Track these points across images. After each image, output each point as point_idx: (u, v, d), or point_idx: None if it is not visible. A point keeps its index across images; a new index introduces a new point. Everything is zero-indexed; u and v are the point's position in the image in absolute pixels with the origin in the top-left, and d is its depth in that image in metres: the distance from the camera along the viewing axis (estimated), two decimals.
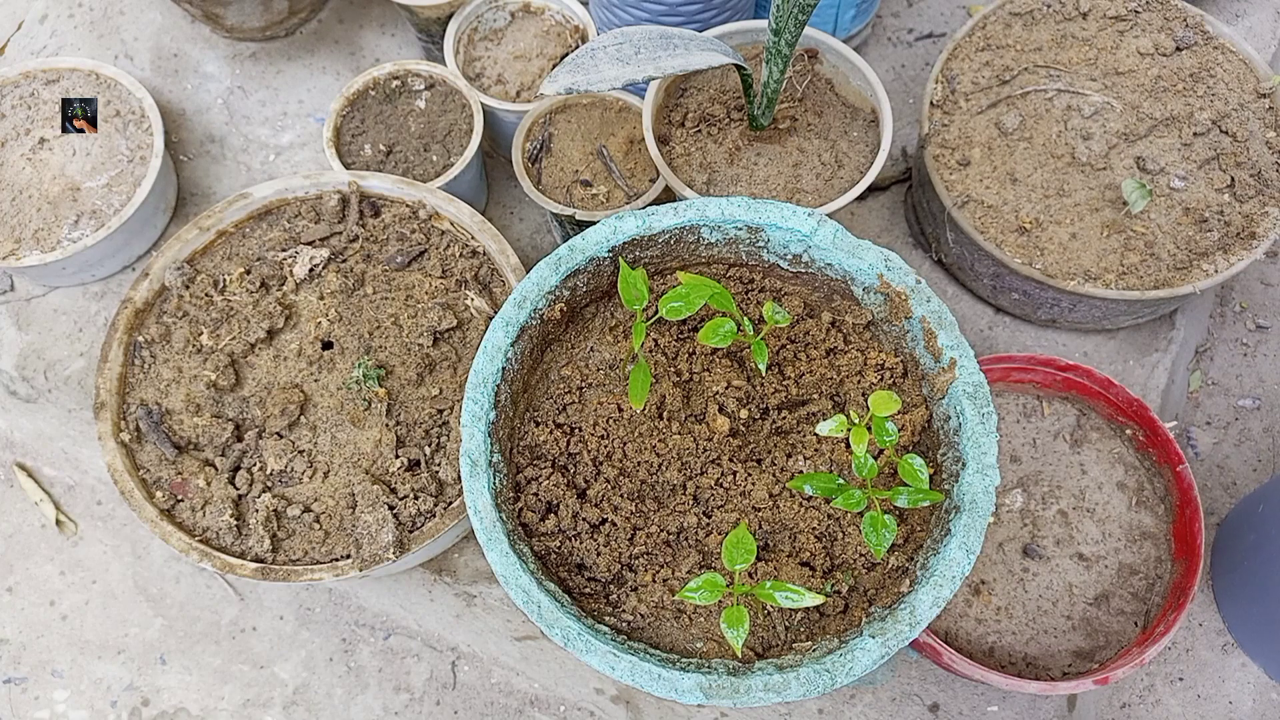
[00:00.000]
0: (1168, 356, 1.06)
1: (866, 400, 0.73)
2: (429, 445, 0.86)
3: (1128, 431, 0.95)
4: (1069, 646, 0.88)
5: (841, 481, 0.66)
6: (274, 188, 0.96)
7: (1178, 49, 1.02)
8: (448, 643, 1.05)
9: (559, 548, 0.70)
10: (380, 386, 0.87)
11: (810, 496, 0.71)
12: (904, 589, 0.65)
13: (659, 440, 0.72)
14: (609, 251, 0.74)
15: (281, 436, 0.86)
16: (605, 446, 0.72)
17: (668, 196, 0.98)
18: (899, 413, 0.72)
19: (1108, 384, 0.93)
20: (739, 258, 0.78)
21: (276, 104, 1.21)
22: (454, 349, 0.90)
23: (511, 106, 1.02)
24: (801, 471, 0.71)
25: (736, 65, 0.82)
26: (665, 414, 0.73)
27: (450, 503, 0.84)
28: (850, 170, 0.92)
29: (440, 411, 0.88)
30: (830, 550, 0.70)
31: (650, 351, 0.76)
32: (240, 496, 0.85)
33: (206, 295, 0.92)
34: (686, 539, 0.71)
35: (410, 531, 0.83)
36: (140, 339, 0.91)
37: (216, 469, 0.86)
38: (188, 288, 0.92)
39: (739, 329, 0.70)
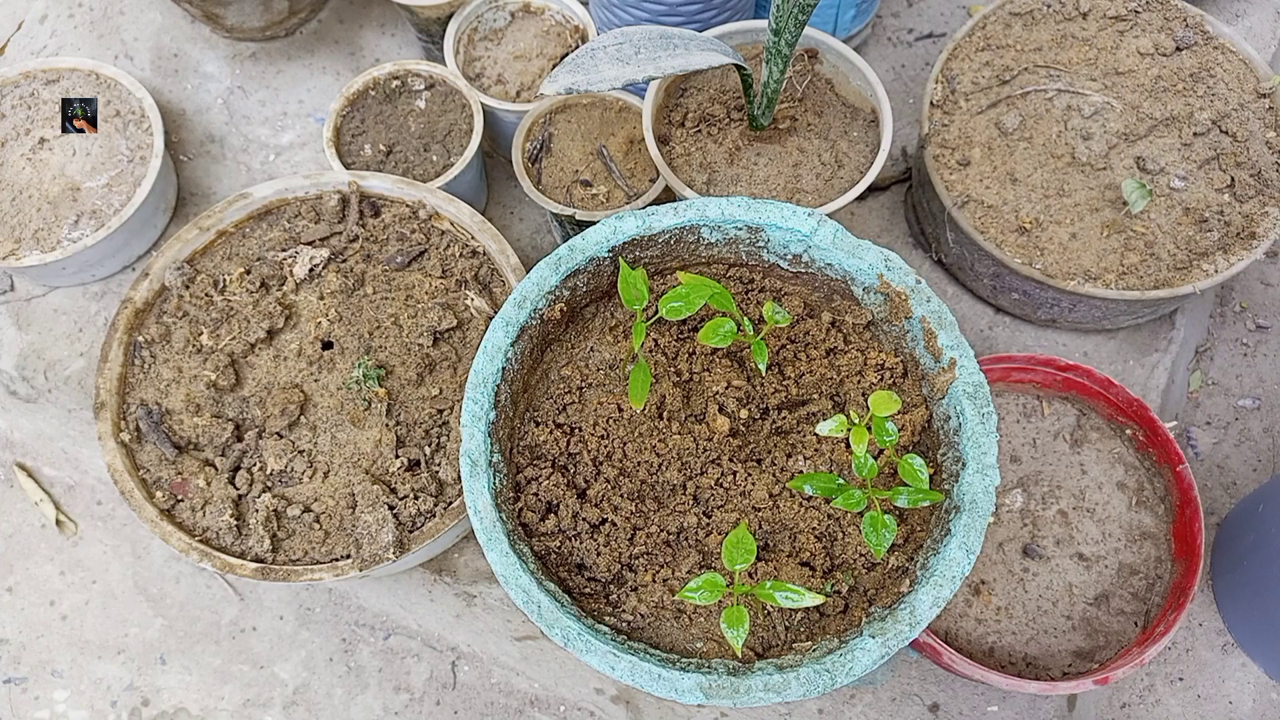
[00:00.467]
0: (1168, 356, 1.06)
1: (866, 400, 0.73)
2: (429, 445, 0.86)
3: (1128, 431, 0.95)
4: (1069, 646, 0.88)
5: (841, 481, 0.66)
6: (274, 188, 0.96)
7: (1178, 49, 1.02)
8: (448, 643, 1.05)
9: (559, 548, 0.70)
10: (380, 386, 0.87)
11: (810, 496, 0.71)
12: (904, 589, 0.65)
13: (659, 440, 0.72)
14: (609, 251, 0.74)
15: (281, 436, 0.86)
16: (605, 446, 0.72)
17: (668, 196, 0.98)
18: (899, 413, 0.72)
19: (1108, 384, 0.93)
20: (739, 258, 0.78)
21: (276, 104, 1.21)
22: (454, 349, 0.90)
23: (511, 106, 1.02)
24: (801, 471, 0.71)
25: (736, 65, 0.82)
26: (665, 414, 0.73)
27: (450, 503, 0.84)
28: (850, 170, 0.92)
29: (440, 411, 0.88)
30: (830, 550, 0.70)
31: (650, 351, 0.76)
32: (240, 496, 0.85)
33: (206, 295, 0.92)
34: (686, 539, 0.71)
35: (410, 531, 0.83)
36: (140, 339, 0.91)
37: (216, 469, 0.86)
38: (188, 288, 0.92)
39: (739, 329, 0.70)
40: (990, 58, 1.03)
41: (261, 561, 0.83)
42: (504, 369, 0.71)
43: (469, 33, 1.08)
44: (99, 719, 1.05)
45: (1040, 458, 0.95)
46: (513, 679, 1.04)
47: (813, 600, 0.61)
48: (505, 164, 1.16)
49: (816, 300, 0.79)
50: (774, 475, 0.72)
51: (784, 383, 0.75)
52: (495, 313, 0.89)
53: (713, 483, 0.71)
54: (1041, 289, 0.96)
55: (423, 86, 1.06)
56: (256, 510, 0.83)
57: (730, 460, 0.72)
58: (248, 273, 0.93)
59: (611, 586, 0.70)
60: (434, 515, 0.83)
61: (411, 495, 0.84)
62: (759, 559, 0.69)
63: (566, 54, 1.06)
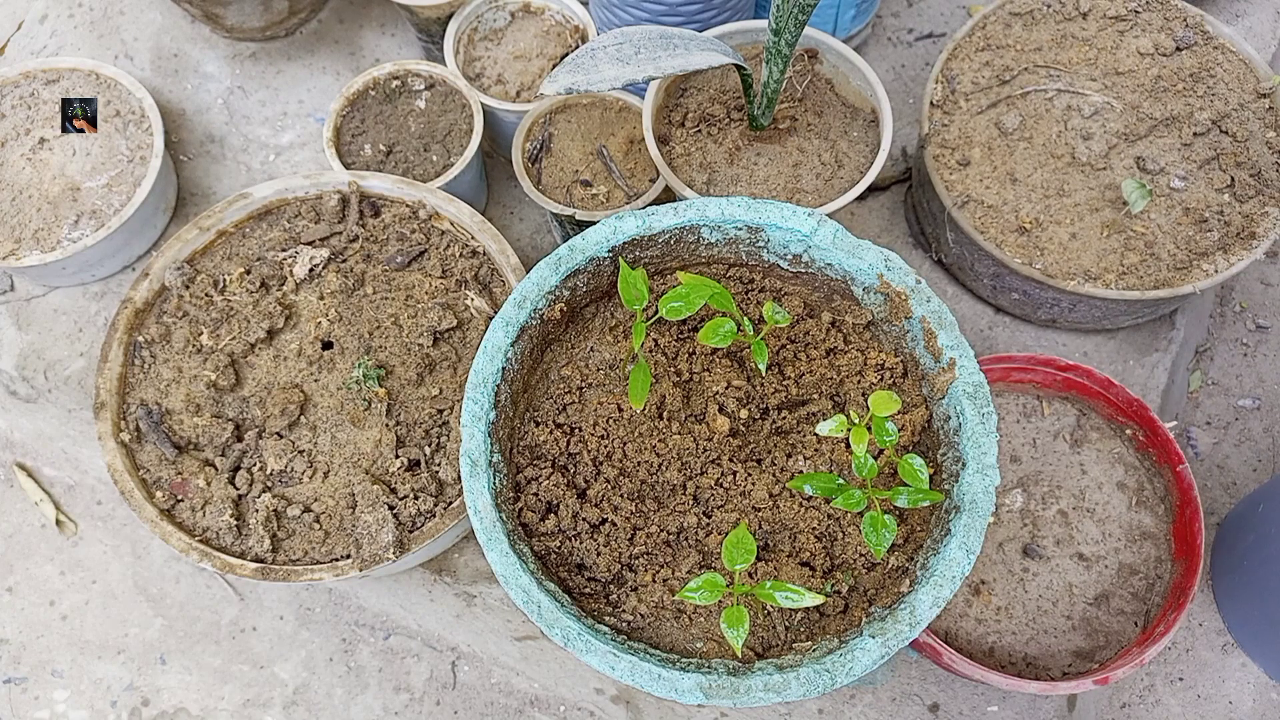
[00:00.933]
0: (1168, 356, 1.06)
1: (866, 400, 0.73)
2: (429, 445, 0.86)
3: (1128, 431, 0.95)
4: (1069, 646, 0.88)
5: (841, 481, 0.66)
6: (274, 188, 0.96)
7: (1178, 49, 1.02)
8: (448, 643, 1.05)
9: (559, 548, 0.70)
10: (380, 386, 0.87)
11: (810, 496, 0.71)
12: (904, 589, 0.65)
13: (659, 440, 0.72)
14: (609, 251, 0.74)
15: (281, 436, 0.86)
16: (605, 446, 0.72)
17: (668, 196, 0.98)
18: (899, 413, 0.72)
19: (1108, 384, 0.93)
20: (739, 258, 0.78)
21: (276, 104, 1.21)
22: (454, 349, 0.90)
23: (511, 106, 1.02)
24: (801, 471, 0.71)
25: (736, 65, 0.82)
26: (665, 414, 0.73)
27: (450, 503, 0.84)
28: (850, 170, 0.92)
29: (440, 411, 0.88)
30: (830, 550, 0.70)
31: (650, 351, 0.76)
32: (240, 496, 0.85)
33: (206, 295, 0.92)
34: (686, 539, 0.71)
35: (410, 531, 0.83)
36: (140, 339, 0.91)
37: (216, 469, 0.86)
38: (188, 288, 0.92)
39: (739, 329, 0.70)
40: (990, 58, 1.03)
41: (261, 561, 0.83)
42: (504, 369, 0.71)
43: (469, 33, 1.08)
44: (99, 719, 1.05)
45: (1040, 458, 0.95)
46: (513, 679, 1.04)
47: (813, 600, 0.61)
48: (505, 164, 1.16)
49: (816, 300, 0.79)
50: (774, 475, 0.72)
51: (784, 383, 0.75)
52: (495, 313, 0.89)
53: (713, 483, 0.71)
54: (1041, 289, 0.96)
55: (423, 86, 1.06)
56: (256, 510, 0.83)
57: (730, 460, 0.72)
58: (248, 273, 0.93)
59: (611, 586, 0.70)
60: (434, 515, 0.83)
61: (411, 495, 0.84)
62: (759, 559, 0.69)
63: (566, 54, 1.06)
